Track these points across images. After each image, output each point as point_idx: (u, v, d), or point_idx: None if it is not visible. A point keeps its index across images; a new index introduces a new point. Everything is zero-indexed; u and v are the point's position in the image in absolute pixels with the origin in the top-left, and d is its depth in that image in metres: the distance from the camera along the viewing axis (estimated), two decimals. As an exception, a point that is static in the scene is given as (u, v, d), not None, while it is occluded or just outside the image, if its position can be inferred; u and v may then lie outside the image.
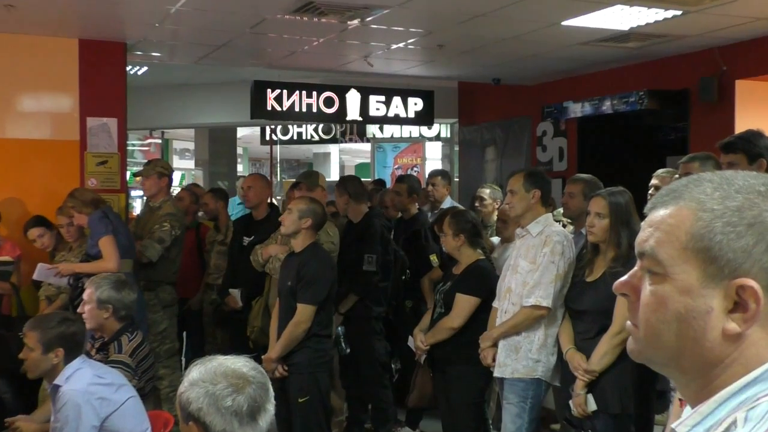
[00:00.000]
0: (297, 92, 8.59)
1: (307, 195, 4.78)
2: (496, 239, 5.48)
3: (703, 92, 6.95)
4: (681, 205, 0.98)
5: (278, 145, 14.63)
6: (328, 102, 8.74)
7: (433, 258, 5.72)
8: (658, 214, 1.00)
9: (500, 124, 9.66)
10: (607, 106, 7.58)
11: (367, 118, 9.06)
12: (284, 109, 8.54)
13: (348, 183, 5.63)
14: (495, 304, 4.17)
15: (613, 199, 3.69)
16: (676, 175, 4.91)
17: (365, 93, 8.92)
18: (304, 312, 4.26)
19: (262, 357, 4.29)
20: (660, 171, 5.16)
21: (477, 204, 5.99)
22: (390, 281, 5.63)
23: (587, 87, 8.24)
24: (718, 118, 6.94)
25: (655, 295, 0.97)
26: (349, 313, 5.40)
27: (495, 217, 5.85)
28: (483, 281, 4.34)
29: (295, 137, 14.37)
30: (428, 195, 6.49)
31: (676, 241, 0.96)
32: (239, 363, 1.95)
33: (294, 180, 5.88)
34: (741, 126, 6.60)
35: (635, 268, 1.03)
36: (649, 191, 5.01)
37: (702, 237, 0.94)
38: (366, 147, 13.94)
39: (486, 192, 6.03)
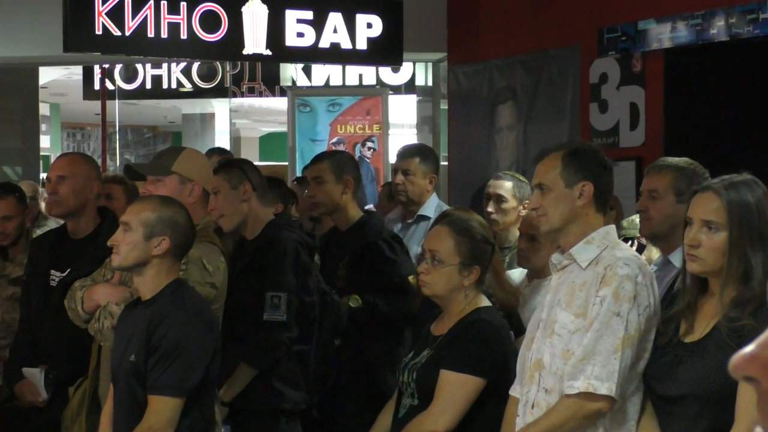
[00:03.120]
0: (151, 3, 8.53)
1: (156, 193, 4.75)
2: (517, 273, 5.51)
3: None
4: None
5: (117, 101, 14.52)
6: (210, 22, 8.72)
7: (414, 281, 5.78)
8: None
9: (525, 62, 9.71)
10: (718, 29, 7.66)
11: (281, 51, 9.04)
12: (127, 34, 8.49)
13: (234, 170, 5.66)
14: (514, 391, 4.20)
15: (733, 197, 3.73)
16: None
17: (277, 5, 8.90)
18: (160, 409, 4.26)
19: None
20: None
21: (491, 209, 6.06)
22: (313, 344, 5.65)
23: (681, -6, 8.30)
24: None
25: None
26: (240, 404, 5.39)
27: (517, 233, 5.89)
28: (488, 349, 4.39)
29: (148, 86, 14.27)
30: (397, 191, 6.54)
31: None
32: None
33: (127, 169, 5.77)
34: None
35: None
36: None
37: None
38: (280, 104, 13.92)
39: (506, 186, 6.11)
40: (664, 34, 8.04)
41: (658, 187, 4.69)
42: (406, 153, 6.65)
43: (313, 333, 5.62)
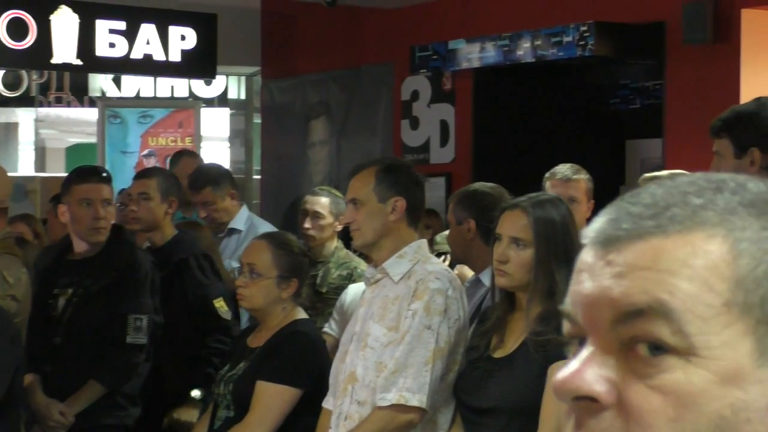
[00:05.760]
0: (-46, 9, 8.32)
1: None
2: (360, 287, 5.53)
3: (689, 27, 7.25)
4: (707, 232, 0.99)
5: None
6: (16, 29, 8.52)
7: (220, 305, 5.69)
8: (646, 246, 0.99)
9: (338, 78, 9.73)
10: (525, 51, 7.79)
11: (92, 61, 8.89)
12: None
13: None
14: (327, 403, 4.22)
15: (540, 214, 3.80)
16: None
17: (88, 14, 8.76)
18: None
19: None
20: (563, 169, 5.27)
21: (307, 224, 6.06)
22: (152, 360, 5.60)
23: (491, 16, 8.44)
24: (714, 71, 7.27)
25: (677, 393, 0.97)
26: (84, 422, 5.23)
27: (332, 248, 5.92)
28: (305, 360, 4.41)
29: (-50, 94, 13.89)
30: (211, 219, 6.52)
31: (711, 292, 0.97)
32: None
33: None
34: (750, 84, 6.93)
35: (582, 352, 1.01)
36: None
37: (757, 282, 0.97)
38: (89, 115, 13.67)
39: (323, 202, 6.11)
40: (473, 54, 8.14)
41: (449, 215, 4.81)
42: (197, 181, 6.56)
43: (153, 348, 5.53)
